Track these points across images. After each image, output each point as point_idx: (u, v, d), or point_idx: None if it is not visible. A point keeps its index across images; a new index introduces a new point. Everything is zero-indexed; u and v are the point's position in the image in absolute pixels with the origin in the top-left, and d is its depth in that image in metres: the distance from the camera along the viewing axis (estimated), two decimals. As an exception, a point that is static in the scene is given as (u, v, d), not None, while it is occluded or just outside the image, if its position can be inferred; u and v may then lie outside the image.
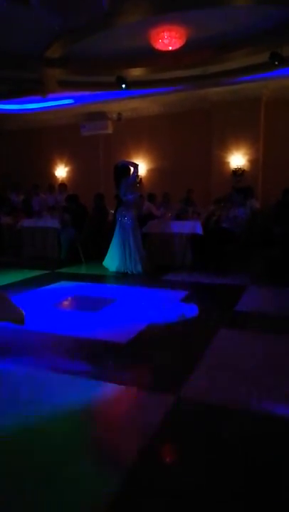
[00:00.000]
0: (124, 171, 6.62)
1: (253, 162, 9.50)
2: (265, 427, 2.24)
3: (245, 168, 9.57)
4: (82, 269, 7.13)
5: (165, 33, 6.36)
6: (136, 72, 7.83)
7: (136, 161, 10.73)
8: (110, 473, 1.89)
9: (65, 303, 4.96)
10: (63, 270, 7.00)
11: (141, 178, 7.42)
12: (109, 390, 2.69)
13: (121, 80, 7.74)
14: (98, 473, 1.89)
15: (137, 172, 6.77)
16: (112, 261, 6.70)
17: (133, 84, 8.03)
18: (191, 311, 4.27)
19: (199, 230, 6.75)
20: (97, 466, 1.94)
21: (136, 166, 6.66)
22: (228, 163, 9.69)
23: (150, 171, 10.88)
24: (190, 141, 10.20)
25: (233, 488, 1.79)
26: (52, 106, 10.43)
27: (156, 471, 1.92)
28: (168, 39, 6.47)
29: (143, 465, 1.94)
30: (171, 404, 2.47)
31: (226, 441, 2.12)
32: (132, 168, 6.61)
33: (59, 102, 10.08)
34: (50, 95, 9.12)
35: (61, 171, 12.02)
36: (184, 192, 8.98)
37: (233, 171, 9.63)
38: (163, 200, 8.96)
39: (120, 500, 1.72)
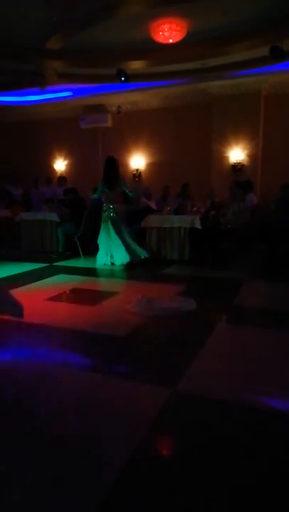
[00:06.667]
0: (117, 169, 6.72)
1: (252, 157, 9.48)
2: (263, 420, 2.26)
3: (245, 162, 9.55)
4: (81, 263, 7.13)
5: (165, 26, 6.31)
6: (136, 65, 7.78)
7: (136, 156, 10.80)
8: (104, 465, 1.90)
9: (64, 296, 4.97)
10: (62, 263, 7.01)
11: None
12: (107, 382, 2.71)
13: (121, 72, 7.68)
14: (93, 468, 1.91)
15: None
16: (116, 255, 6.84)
17: (133, 77, 7.98)
18: (189, 304, 4.28)
19: (198, 225, 6.76)
20: (93, 458, 1.96)
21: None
22: (227, 157, 9.67)
23: (149, 165, 10.84)
24: (190, 135, 10.17)
25: (231, 483, 1.81)
26: (51, 98, 10.37)
27: (153, 463, 1.94)
28: (168, 32, 6.42)
29: (140, 458, 1.96)
30: (168, 396, 2.49)
31: (224, 434, 2.14)
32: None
33: (58, 94, 10.02)
34: (50, 87, 9.07)
35: (60, 164, 11.97)
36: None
37: (232, 165, 9.61)
38: (162, 195, 8.96)
39: (113, 497, 1.72)
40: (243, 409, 2.36)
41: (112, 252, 6.74)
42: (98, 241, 6.86)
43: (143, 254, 6.87)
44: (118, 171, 6.72)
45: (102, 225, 6.78)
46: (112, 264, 6.75)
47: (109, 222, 6.70)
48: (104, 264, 6.76)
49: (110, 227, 6.68)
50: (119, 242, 6.67)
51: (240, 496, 1.72)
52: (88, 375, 2.81)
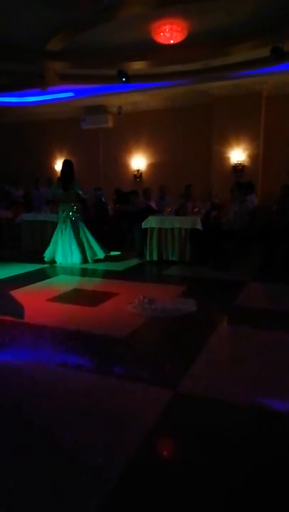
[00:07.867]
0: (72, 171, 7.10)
1: (253, 157, 9.46)
2: (264, 421, 2.25)
3: (246, 163, 9.53)
4: (81, 264, 7.12)
5: (166, 27, 6.31)
6: (137, 66, 7.77)
7: (136, 157, 10.80)
8: (105, 466, 1.89)
9: (64, 297, 4.96)
10: (62, 264, 7.00)
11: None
12: (107, 383, 2.70)
13: (122, 73, 7.68)
14: (94, 470, 1.90)
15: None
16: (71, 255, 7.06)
17: (134, 77, 7.98)
18: (190, 305, 4.27)
19: (199, 226, 6.75)
20: (93, 459, 1.95)
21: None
22: (228, 158, 9.65)
23: (150, 166, 10.84)
24: (191, 136, 10.16)
25: (232, 484, 1.80)
26: (52, 99, 10.37)
27: (154, 465, 1.93)
28: (169, 32, 6.41)
29: (141, 459, 1.95)
30: (169, 397, 2.48)
31: (225, 435, 2.13)
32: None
33: (59, 95, 10.03)
34: (51, 88, 9.07)
35: (61, 165, 11.94)
36: (183, 187, 8.97)
37: (233, 166, 9.60)
38: (160, 194, 8.95)
39: (115, 498, 1.71)
40: (245, 410, 2.35)
41: (71, 250, 6.96)
42: (52, 239, 7.15)
43: (101, 253, 7.11)
44: (73, 173, 7.05)
45: (58, 225, 7.06)
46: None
47: (68, 222, 6.95)
48: (60, 263, 6.98)
49: (69, 226, 6.94)
50: (75, 242, 6.92)
51: (241, 497, 1.71)
52: (89, 376, 2.80)
